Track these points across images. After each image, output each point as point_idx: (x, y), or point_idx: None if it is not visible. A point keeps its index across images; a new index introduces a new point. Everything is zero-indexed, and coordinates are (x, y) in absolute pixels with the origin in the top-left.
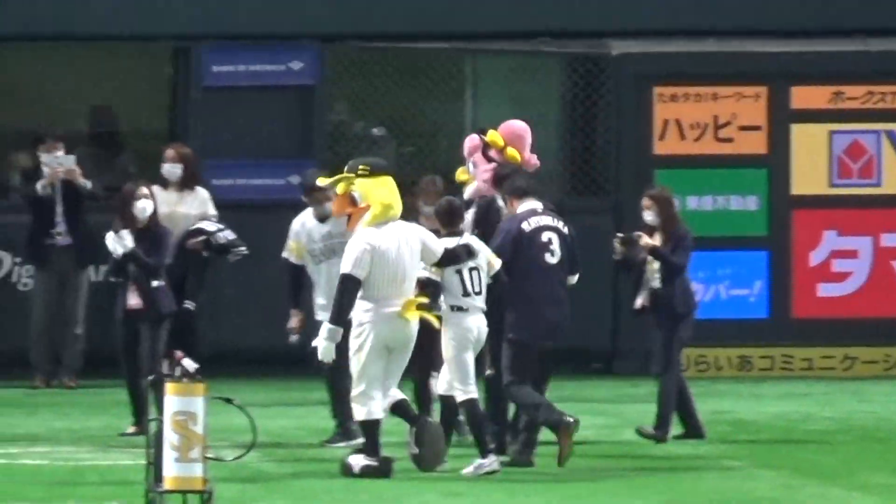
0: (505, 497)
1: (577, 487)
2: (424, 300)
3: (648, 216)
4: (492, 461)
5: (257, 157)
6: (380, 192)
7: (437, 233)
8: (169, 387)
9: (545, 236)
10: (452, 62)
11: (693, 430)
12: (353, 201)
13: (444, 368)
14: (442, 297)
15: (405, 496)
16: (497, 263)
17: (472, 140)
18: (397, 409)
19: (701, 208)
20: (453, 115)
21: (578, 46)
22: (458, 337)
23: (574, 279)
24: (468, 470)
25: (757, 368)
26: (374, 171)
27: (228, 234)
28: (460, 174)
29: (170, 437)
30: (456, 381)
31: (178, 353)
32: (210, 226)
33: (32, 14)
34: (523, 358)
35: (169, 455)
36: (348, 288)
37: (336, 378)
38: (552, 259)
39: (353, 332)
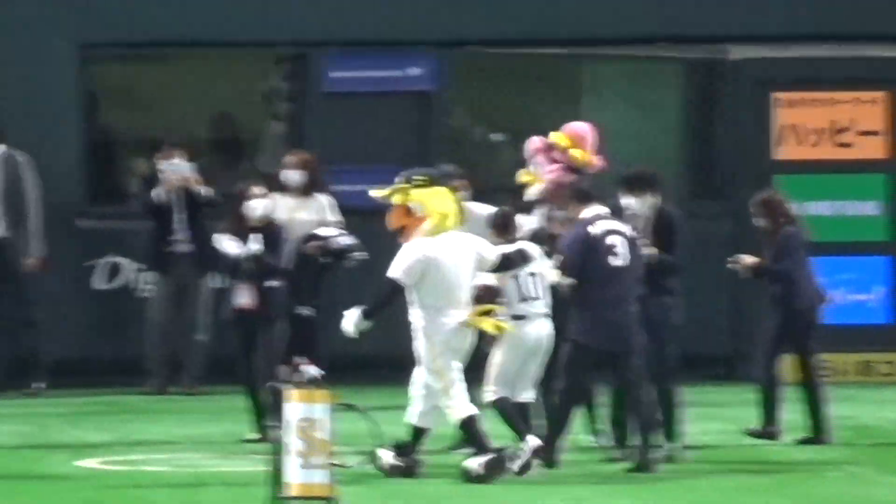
0: (630, 502)
1: (702, 490)
2: (488, 308)
3: (760, 221)
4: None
5: (375, 163)
6: (437, 202)
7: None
8: (293, 393)
9: (610, 240)
10: (571, 68)
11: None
12: (408, 212)
13: (489, 372)
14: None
15: (526, 502)
16: (552, 277)
17: (532, 142)
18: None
19: (820, 213)
20: (572, 121)
21: (697, 52)
22: (511, 344)
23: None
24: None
25: (879, 373)
26: (430, 182)
27: (345, 239)
28: (522, 176)
29: (294, 444)
30: (490, 381)
31: (299, 360)
32: (326, 231)
33: (153, 21)
34: (582, 361)
35: (294, 462)
36: (390, 291)
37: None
38: (617, 262)
39: (420, 341)
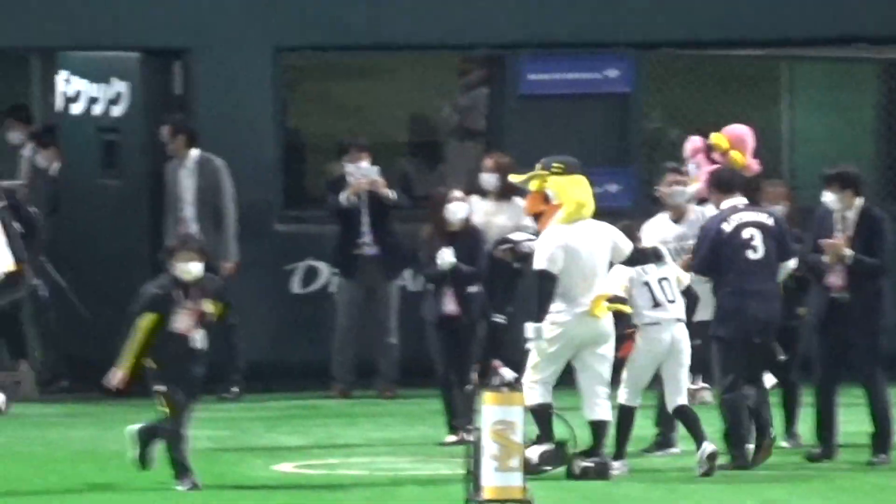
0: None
1: None
2: (614, 294)
3: None
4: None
5: None
6: (574, 190)
7: None
8: (488, 396)
9: (746, 233)
10: (768, 69)
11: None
12: (545, 199)
13: (623, 376)
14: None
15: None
16: (686, 280)
17: (693, 142)
18: (596, 426)
19: None
20: (770, 123)
21: (894, 52)
22: (646, 348)
23: (789, 265)
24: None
25: None
26: (568, 170)
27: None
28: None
29: (489, 447)
30: (624, 386)
31: (496, 363)
32: (518, 235)
33: (348, 25)
34: (731, 355)
35: (488, 465)
36: (546, 283)
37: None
38: (754, 255)
39: (546, 328)
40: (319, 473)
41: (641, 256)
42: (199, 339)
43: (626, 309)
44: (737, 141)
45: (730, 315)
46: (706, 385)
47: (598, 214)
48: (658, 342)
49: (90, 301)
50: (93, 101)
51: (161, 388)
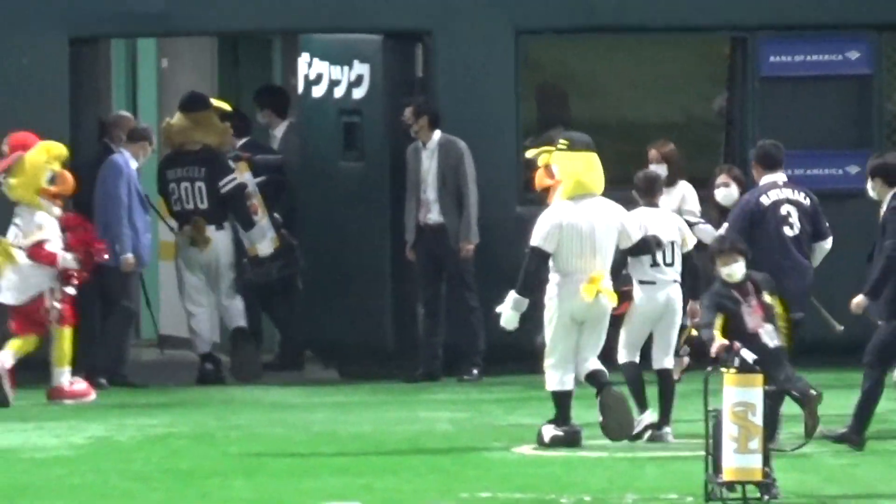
0: None
1: None
2: (605, 276)
3: None
4: (646, 417)
5: (814, 148)
6: (574, 166)
7: None
8: (728, 378)
9: (784, 209)
10: None
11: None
12: (552, 174)
13: (620, 337)
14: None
15: None
16: (691, 242)
17: None
18: (590, 378)
19: None
20: None
21: None
22: (641, 308)
23: (826, 245)
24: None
25: None
26: (572, 146)
27: (706, 228)
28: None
29: (729, 429)
30: (622, 345)
31: (737, 344)
32: (691, 218)
33: (593, 6)
34: None
35: (728, 446)
36: (535, 260)
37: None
38: (791, 232)
39: (546, 304)
40: (559, 455)
41: (645, 246)
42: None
43: (614, 301)
44: None
45: None
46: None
47: (838, 196)
48: (653, 301)
49: (330, 284)
50: (334, 83)
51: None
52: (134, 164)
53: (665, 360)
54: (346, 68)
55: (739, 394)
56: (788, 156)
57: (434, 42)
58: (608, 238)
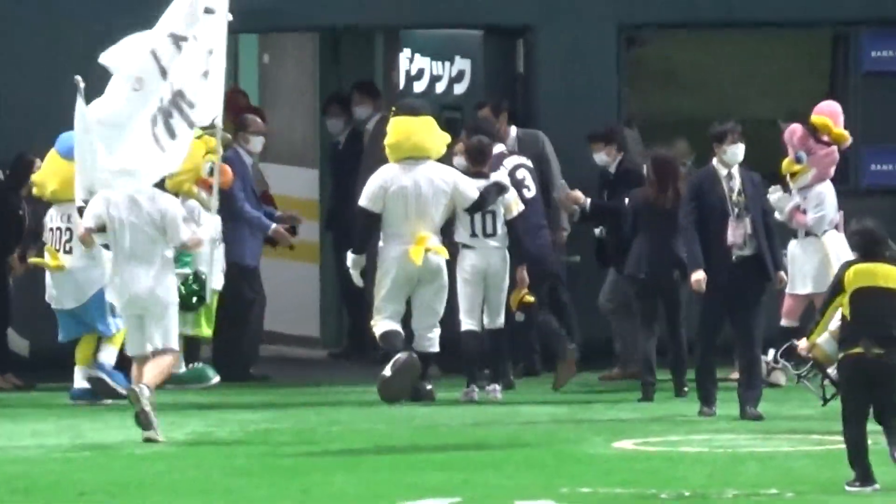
0: None
1: None
2: (430, 237)
3: None
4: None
5: None
6: (394, 130)
7: None
8: None
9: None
10: None
11: None
12: None
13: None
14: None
15: None
16: (516, 210)
17: (793, 132)
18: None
19: None
20: None
21: None
22: (463, 273)
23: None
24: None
25: None
26: (400, 110)
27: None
28: (788, 166)
29: None
30: (461, 312)
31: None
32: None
33: (691, 1)
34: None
35: None
36: (362, 219)
37: None
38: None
39: (377, 265)
40: (659, 451)
41: (484, 201)
42: None
43: (445, 255)
44: (834, 116)
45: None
46: (778, 365)
47: None
48: (471, 264)
49: None
50: (435, 79)
51: None
52: (248, 160)
53: (497, 320)
54: (447, 64)
55: None
56: (892, 152)
57: (535, 37)
58: (439, 202)
